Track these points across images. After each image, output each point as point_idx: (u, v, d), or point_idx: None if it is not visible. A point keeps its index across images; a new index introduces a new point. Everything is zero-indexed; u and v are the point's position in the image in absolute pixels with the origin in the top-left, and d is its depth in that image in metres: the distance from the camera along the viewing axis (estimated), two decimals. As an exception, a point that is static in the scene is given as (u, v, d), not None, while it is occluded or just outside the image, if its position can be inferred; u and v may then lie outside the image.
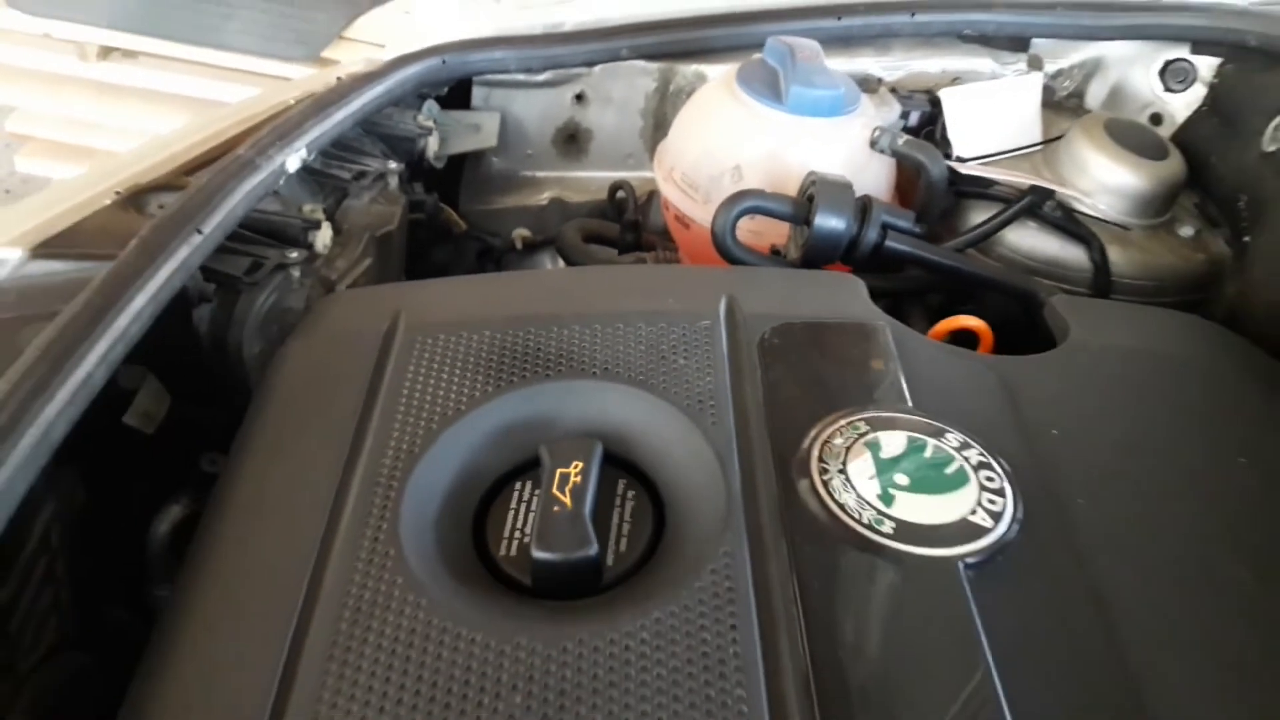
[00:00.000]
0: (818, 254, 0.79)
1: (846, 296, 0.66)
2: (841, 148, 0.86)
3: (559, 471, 0.52)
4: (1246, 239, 0.87)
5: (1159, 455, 0.58)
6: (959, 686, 0.44)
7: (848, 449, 0.53)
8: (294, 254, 0.77)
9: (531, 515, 0.52)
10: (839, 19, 0.99)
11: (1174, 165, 0.91)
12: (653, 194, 1.07)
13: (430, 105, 1.03)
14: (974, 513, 0.50)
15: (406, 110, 1.00)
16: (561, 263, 1.03)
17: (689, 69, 1.02)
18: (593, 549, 0.49)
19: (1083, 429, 0.58)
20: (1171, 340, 0.69)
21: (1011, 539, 0.49)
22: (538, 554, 0.48)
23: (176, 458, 0.68)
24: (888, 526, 0.49)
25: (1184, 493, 0.56)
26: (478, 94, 1.05)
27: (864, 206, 0.80)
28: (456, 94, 1.05)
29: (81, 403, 0.54)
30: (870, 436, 0.54)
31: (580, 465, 0.52)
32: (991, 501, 0.51)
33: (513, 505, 0.53)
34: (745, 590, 0.46)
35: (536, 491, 0.52)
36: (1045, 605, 0.48)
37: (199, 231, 0.67)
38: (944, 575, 0.48)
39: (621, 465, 0.54)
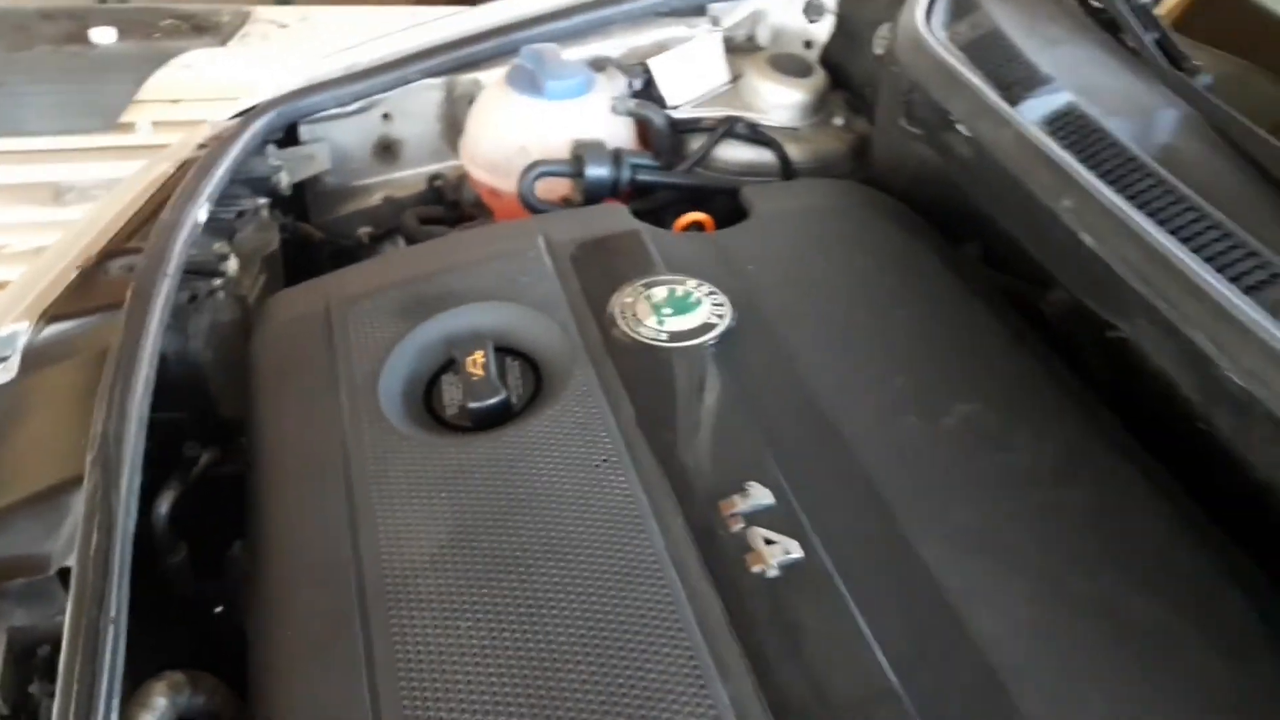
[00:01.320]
0: (594, 196, 1.17)
1: (617, 219, 1.04)
2: (591, 118, 1.23)
3: (468, 359, 0.87)
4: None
5: (824, 270, 0.99)
6: (729, 414, 0.82)
7: (634, 302, 0.91)
8: (217, 281, 1.08)
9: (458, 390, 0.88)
10: (571, 19, 1.35)
11: (818, 79, 1.33)
12: (462, 178, 1.41)
13: (270, 149, 1.33)
14: (709, 320, 0.89)
15: (256, 156, 1.30)
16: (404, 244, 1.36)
17: (466, 79, 1.36)
18: (501, 395, 0.84)
19: (769, 263, 0.98)
20: (825, 197, 1.11)
21: (733, 327, 0.88)
22: (470, 404, 0.84)
23: (162, 451, 0.95)
24: (664, 337, 0.88)
25: (840, 288, 0.97)
26: (305, 131, 1.36)
27: (616, 156, 1.18)
28: (288, 133, 1.35)
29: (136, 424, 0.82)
30: (645, 293, 0.92)
31: (481, 353, 0.87)
32: (718, 313, 0.90)
33: (446, 388, 0.88)
34: (596, 390, 0.83)
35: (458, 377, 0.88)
36: (762, 365, 0.87)
37: (168, 275, 0.97)
38: (700, 356, 0.86)
39: (509, 351, 0.90)
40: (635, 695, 0.63)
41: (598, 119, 1.24)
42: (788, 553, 0.70)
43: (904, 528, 0.73)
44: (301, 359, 0.92)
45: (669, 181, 1.21)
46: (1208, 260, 0.79)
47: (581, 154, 1.17)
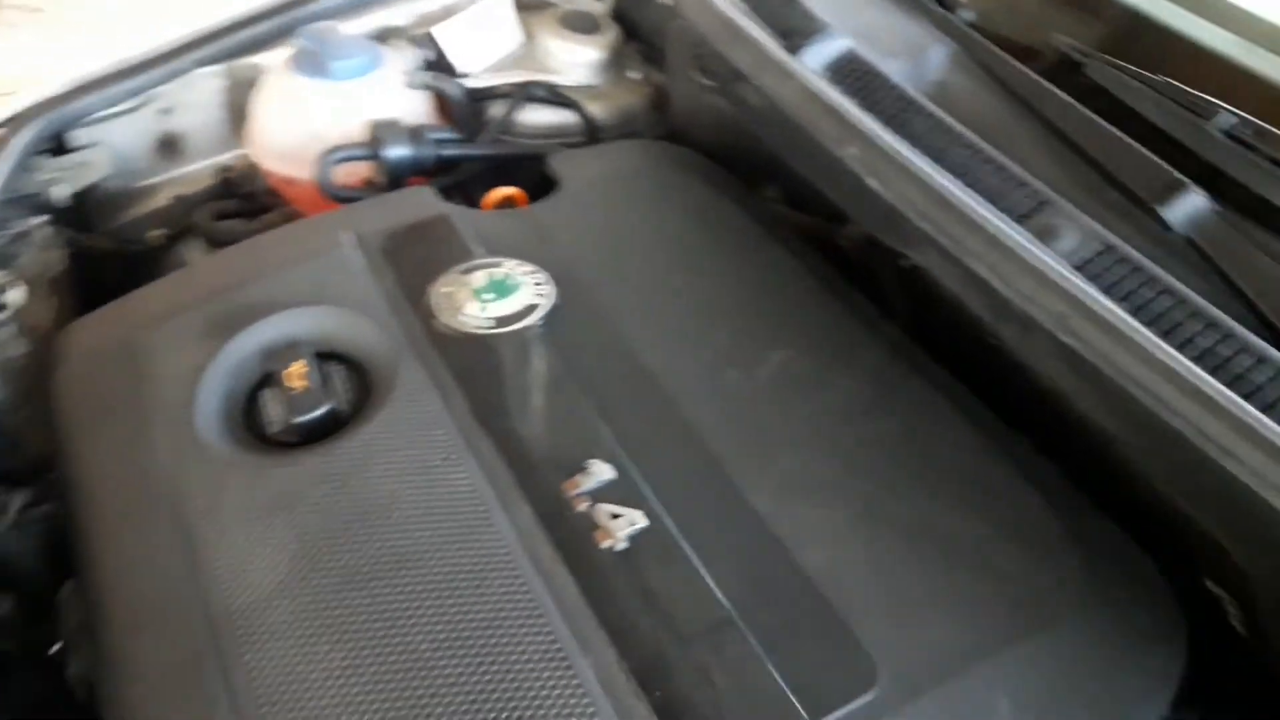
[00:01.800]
0: (397, 176, 1.15)
1: (424, 204, 1.03)
2: (383, 95, 1.20)
3: (287, 371, 0.86)
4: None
5: (637, 235, 1.02)
6: (562, 394, 0.84)
7: (454, 291, 0.91)
8: (2, 315, 1.02)
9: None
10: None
11: (610, 34, 1.34)
12: (253, 167, 1.35)
13: (40, 160, 1.24)
14: (532, 300, 0.91)
15: (26, 172, 1.21)
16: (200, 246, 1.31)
17: (246, 64, 1.30)
18: (327, 405, 0.84)
19: (584, 234, 1.00)
20: (631, 159, 1.13)
21: (557, 305, 0.90)
22: (295, 419, 0.83)
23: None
24: (490, 324, 0.89)
25: (654, 251, 1.00)
26: (78, 135, 1.27)
27: (415, 133, 1.17)
28: (58, 140, 1.27)
29: None
30: (464, 280, 0.92)
31: (300, 363, 0.86)
32: (540, 292, 0.91)
33: (268, 405, 0.87)
34: (426, 387, 0.84)
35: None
36: (589, 339, 0.89)
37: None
38: (527, 339, 0.88)
39: (330, 357, 0.89)
40: (503, 686, 0.66)
41: (391, 96, 1.21)
42: (633, 524, 0.74)
43: (736, 480, 0.78)
44: (109, 394, 0.88)
45: (473, 154, 1.20)
46: (982, 193, 0.86)
47: (379, 134, 1.15)
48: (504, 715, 0.64)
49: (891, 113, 0.96)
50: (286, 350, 0.88)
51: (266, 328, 0.90)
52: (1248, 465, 0.66)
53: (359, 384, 0.88)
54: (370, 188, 1.19)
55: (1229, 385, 0.69)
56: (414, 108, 1.23)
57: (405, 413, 0.82)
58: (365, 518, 0.76)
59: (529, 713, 0.64)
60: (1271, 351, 0.71)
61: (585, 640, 0.68)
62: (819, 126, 0.95)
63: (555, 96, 1.29)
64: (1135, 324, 0.73)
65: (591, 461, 0.78)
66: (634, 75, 1.36)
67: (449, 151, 1.19)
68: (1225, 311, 0.76)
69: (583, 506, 0.75)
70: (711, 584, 0.71)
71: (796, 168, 1.07)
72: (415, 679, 0.66)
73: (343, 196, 1.15)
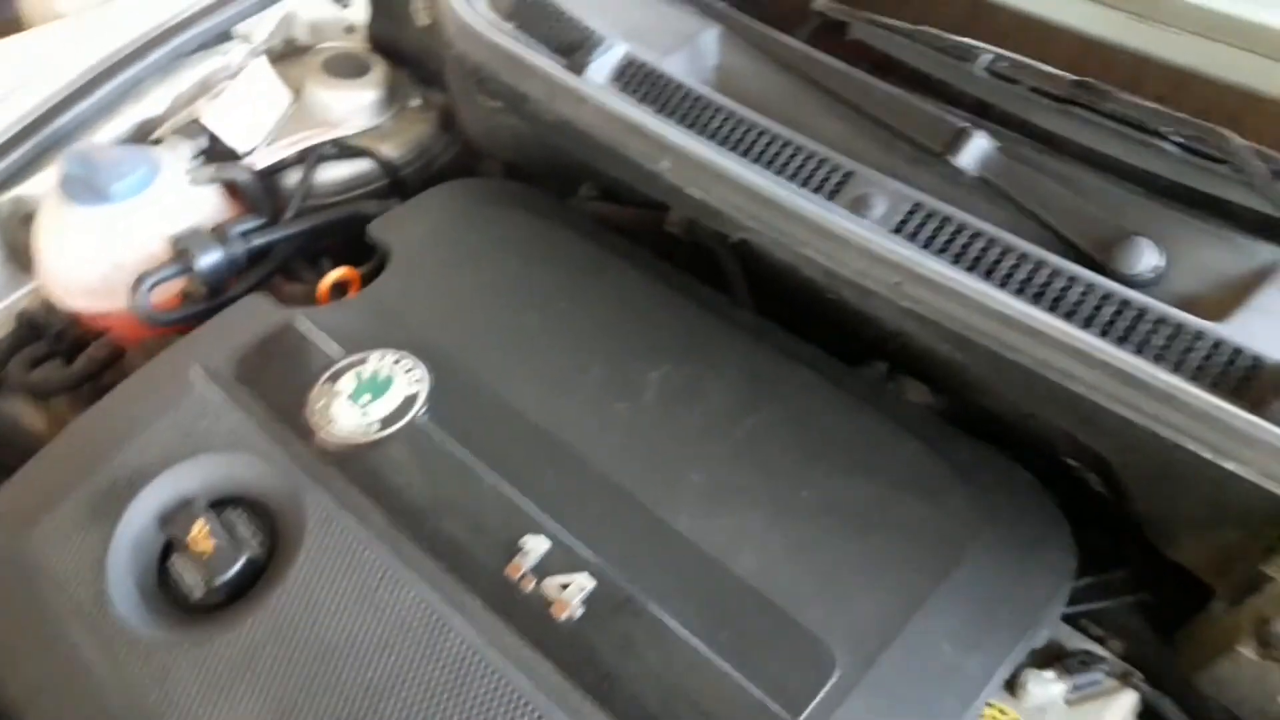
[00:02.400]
0: (216, 284, 1.13)
1: (262, 314, 1.02)
2: (174, 203, 1.16)
3: (189, 536, 0.85)
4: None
5: (481, 288, 1.04)
6: (471, 478, 0.87)
7: (327, 404, 0.92)
8: None
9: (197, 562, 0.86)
10: (93, 95, 1.24)
11: (379, 70, 1.33)
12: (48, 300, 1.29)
13: None
14: (409, 390, 0.93)
15: None
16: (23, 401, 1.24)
17: (3, 200, 1.22)
18: (243, 556, 0.84)
19: (430, 301, 1.02)
20: (447, 209, 1.14)
21: (434, 386, 0.92)
22: (216, 582, 0.83)
23: None
24: (375, 427, 0.90)
25: (503, 300, 1.02)
26: None
27: (220, 232, 1.14)
28: None
29: None
30: (333, 389, 0.93)
31: (200, 521, 0.86)
32: (414, 378, 0.93)
33: (181, 573, 0.86)
34: (336, 511, 0.85)
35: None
36: (477, 412, 0.92)
37: None
38: (417, 430, 0.90)
39: (227, 504, 0.89)
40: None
41: (181, 201, 1.17)
42: (582, 588, 0.79)
43: (655, 511, 0.84)
44: (8, 611, 0.86)
45: (284, 236, 1.19)
46: (791, 179, 0.93)
47: (185, 246, 1.12)
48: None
49: (685, 113, 1.01)
50: (180, 512, 0.87)
51: (151, 497, 0.89)
52: (1081, 380, 0.77)
53: (265, 524, 0.88)
54: (189, 301, 1.16)
55: (1050, 307, 0.80)
56: (208, 206, 1.19)
57: (325, 543, 0.84)
58: (326, 660, 0.78)
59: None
60: (1080, 270, 0.81)
61: (578, 713, 0.73)
62: (627, 145, 1.00)
63: (344, 150, 1.28)
64: (960, 275, 0.83)
65: (524, 539, 0.82)
66: (415, 103, 1.36)
67: (259, 241, 1.17)
68: (1028, 237, 0.86)
69: (530, 586, 0.80)
70: (671, 623, 0.77)
71: (610, 174, 1.11)
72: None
73: (166, 321, 1.12)
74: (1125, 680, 0.87)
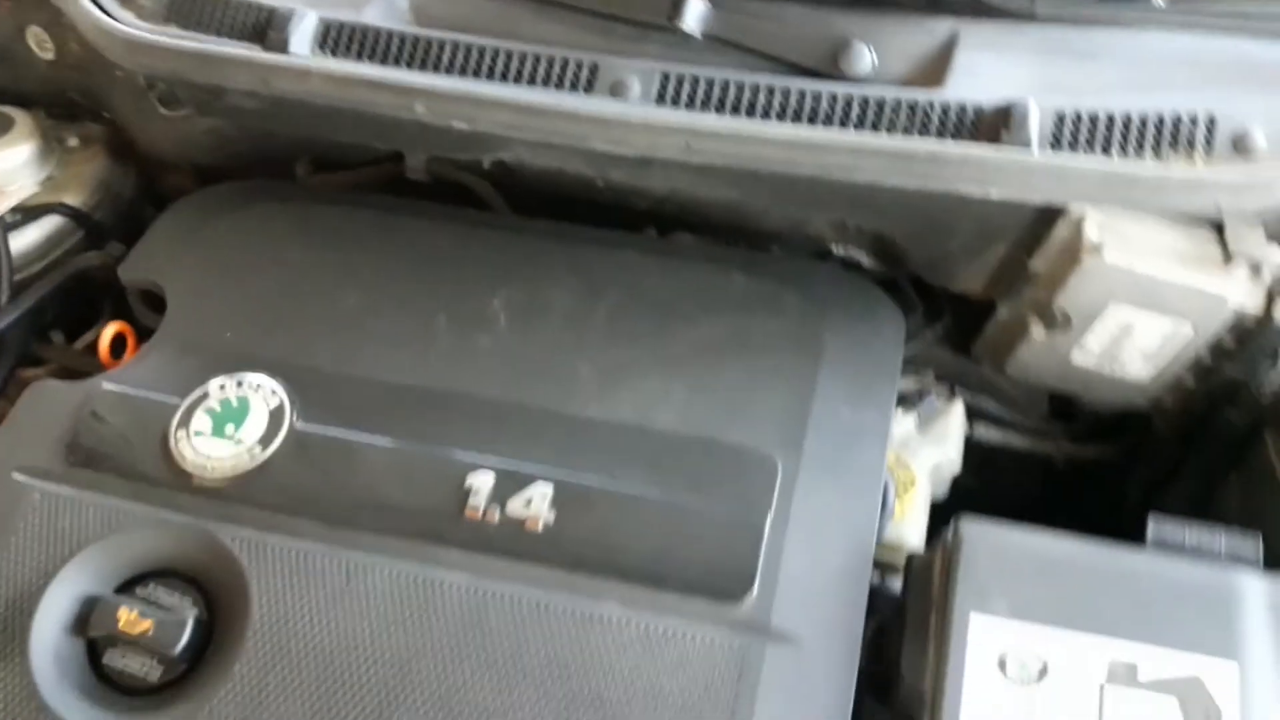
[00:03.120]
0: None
1: (49, 396, 0.94)
2: None
3: (118, 626, 0.80)
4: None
5: (292, 288, 1.01)
6: (382, 449, 0.88)
7: (193, 446, 0.88)
8: None
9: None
10: None
11: (22, 121, 1.20)
12: None
13: None
14: (270, 403, 0.91)
15: None
16: None
17: None
18: (190, 617, 0.80)
19: (250, 318, 0.98)
20: (196, 224, 1.08)
21: (293, 392, 0.91)
22: (174, 654, 0.79)
23: None
24: (257, 449, 0.88)
25: (327, 289, 1.01)
26: None
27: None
28: None
29: None
30: (188, 432, 0.89)
31: (123, 609, 0.80)
32: (268, 389, 0.91)
33: (121, 663, 0.81)
34: (264, 541, 0.83)
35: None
36: (347, 397, 0.91)
37: None
38: (301, 435, 0.89)
39: (137, 583, 0.83)
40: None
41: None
42: (545, 495, 0.84)
43: (565, 410, 0.91)
44: None
45: (14, 319, 1.07)
46: (544, 86, 1.00)
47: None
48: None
49: (410, 57, 1.04)
50: (93, 613, 0.81)
51: (49, 615, 0.82)
52: (863, 169, 0.93)
53: (188, 586, 0.84)
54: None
55: (821, 122, 0.95)
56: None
57: (271, 576, 0.82)
58: (334, 666, 0.78)
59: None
60: (825, 84, 0.97)
61: (597, 594, 0.80)
62: (372, 102, 1.01)
63: (28, 214, 1.15)
64: (735, 121, 0.95)
65: (467, 479, 0.85)
66: (73, 142, 1.25)
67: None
68: (766, 72, 1.00)
69: (496, 517, 0.84)
70: (631, 489, 0.85)
71: (340, 139, 1.12)
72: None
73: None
74: (951, 394, 1.08)
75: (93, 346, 1.08)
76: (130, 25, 1.07)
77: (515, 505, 0.84)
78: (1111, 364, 1.03)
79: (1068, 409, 1.16)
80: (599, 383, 0.93)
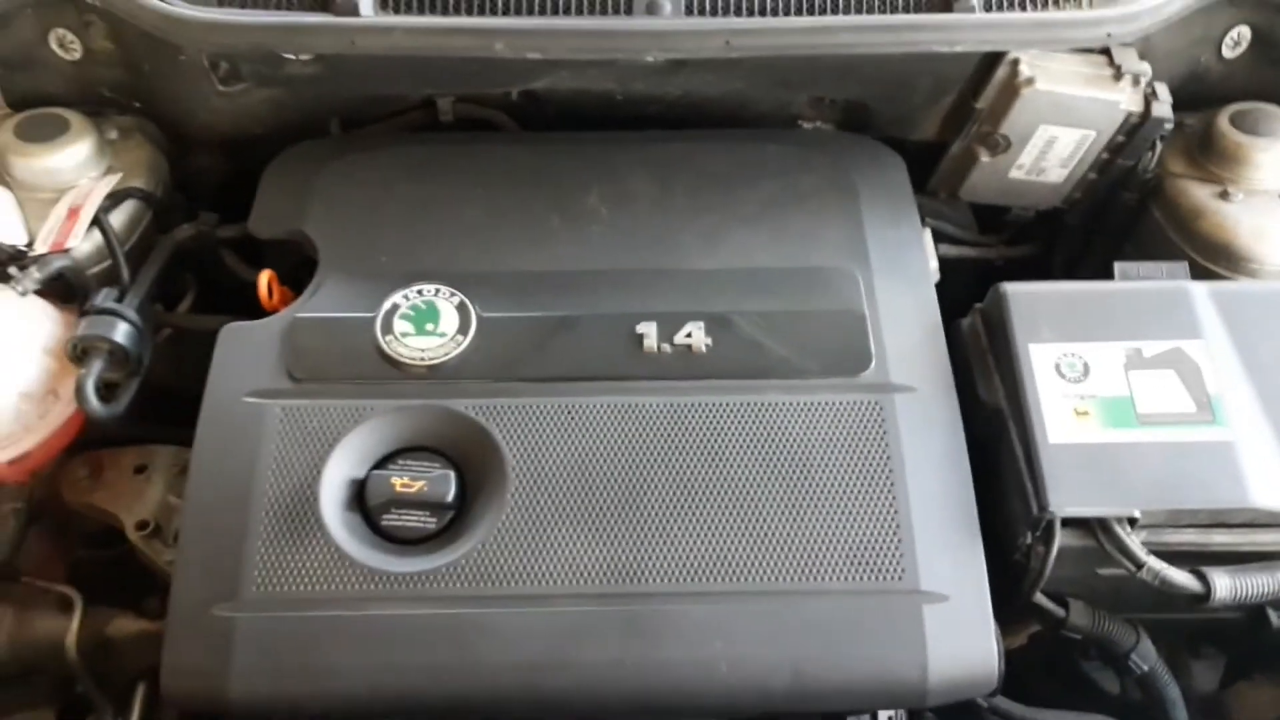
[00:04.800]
0: (139, 356, 1.15)
1: (252, 333, 1.11)
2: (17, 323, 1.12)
3: (395, 494, 0.99)
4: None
5: (420, 213, 1.19)
6: (559, 321, 1.09)
7: (404, 346, 1.07)
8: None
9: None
10: None
11: (75, 119, 1.29)
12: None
13: None
14: (454, 300, 1.10)
15: None
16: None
17: None
18: (451, 483, 1.00)
19: (398, 243, 1.17)
20: (306, 175, 1.25)
21: (467, 292, 1.11)
22: (448, 499, 0.99)
23: None
24: (459, 339, 1.08)
25: (452, 209, 1.20)
26: None
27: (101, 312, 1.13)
28: None
29: None
30: (395, 337, 1.08)
31: (393, 479, 0.99)
32: (448, 295, 1.11)
33: (399, 521, 1.00)
34: (500, 405, 1.04)
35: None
36: (515, 289, 1.13)
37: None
38: (488, 323, 1.09)
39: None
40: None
41: (19, 317, 1.12)
42: (700, 326, 1.09)
43: (691, 266, 1.16)
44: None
45: (153, 277, 1.20)
46: (600, 14, 1.22)
47: (89, 342, 1.11)
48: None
49: (467, 5, 1.22)
50: (367, 487, 1.00)
51: (329, 495, 0.99)
52: (867, 43, 1.21)
53: (433, 454, 1.03)
54: (124, 387, 1.15)
55: (815, 11, 1.22)
56: (37, 311, 1.15)
57: (511, 428, 1.03)
58: (588, 486, 1.01)
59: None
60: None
61: (759, 388, 1.06)
62: (452, 46, 1.19)
63: (115, 199, 1.25)
64: (759, 20, 1.20)
65: (637, 328, 1.09)
66: (113, 135, 1.34)
67: (136, 297, 1.18)
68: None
69: (668, 349, 1.08)
70: (761, 307, 1.11)
71: (387, 91, 1.30)
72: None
73: (118, 415, 1.11)
74: (921, 223, 1.39)
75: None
76: (200, 9, 1.19)
77: (680, 339, 1.09)
78: (1039, 174, 1.37)
79: (996, 223, 1.51)
80: (701, 243, 1.18)
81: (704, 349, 1.08)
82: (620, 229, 1.19)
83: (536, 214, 1.20)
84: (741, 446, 1.04)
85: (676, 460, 1.03)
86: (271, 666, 0.94)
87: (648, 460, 1.02)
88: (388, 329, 1.08)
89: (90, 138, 1.29)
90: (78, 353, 1.11)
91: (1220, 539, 1.01)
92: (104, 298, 1.15)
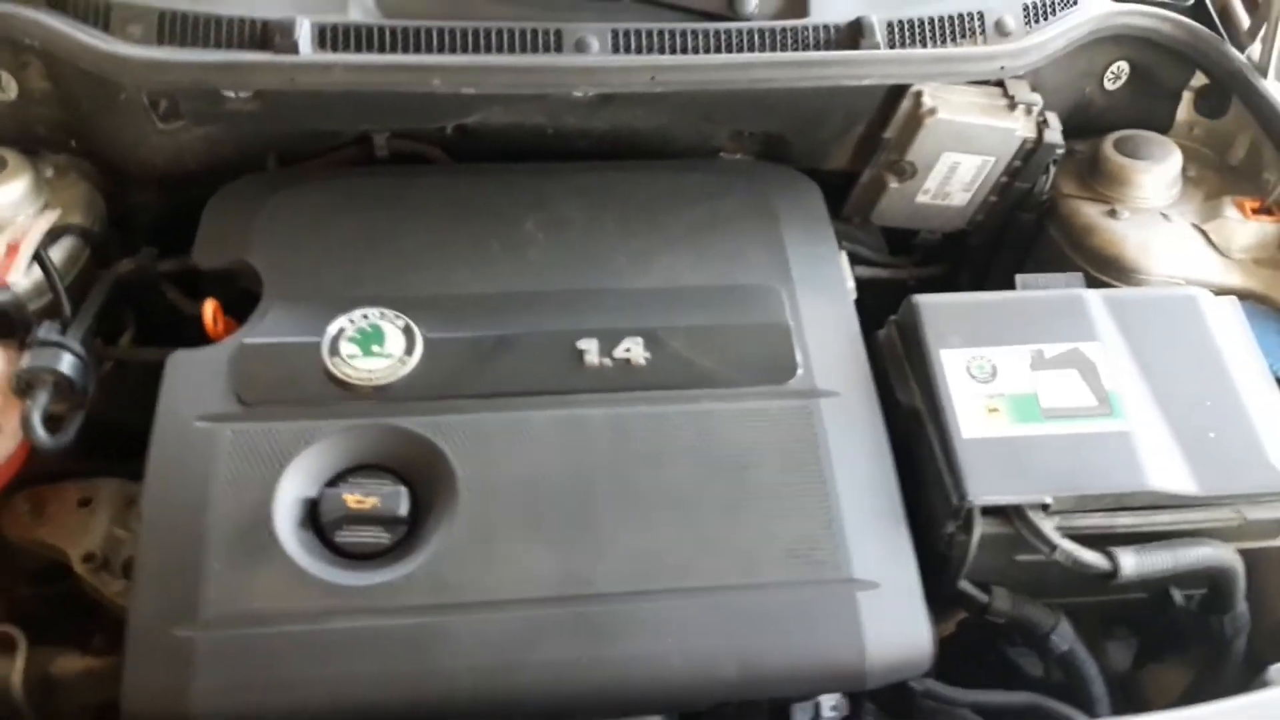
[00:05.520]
0: (84, 385, 1.16)
1: (198, 360, 1.13)
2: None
3: (349, 511, 1.02)
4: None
5: (363, 240, 1.23)
6: (503, 341, 1.14)
7: (352, 367, 1.10)
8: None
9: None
10: None
11: (12, 158, 1.30)
12: None
13: None
14: (398, 323, 1.14)
15: None
16: None
17: None
18: (402, 500, 1.04)
19: (340, 271, 1.21)
20: (251, 206, 1.28)
21: (410, 314, 1.15)
22: (399, 513, 1.03)
23: None
24: (404, 359, 1.12)
25: (393, 236, 1.25)
26: None
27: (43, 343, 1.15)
28: None
29: None
30: (342, 358, 1.11)
31: (344, 496, 1.03)
32: (392, 318, 1.15)
33: (351, 537, 1.03)
34: (447, 422, 1.08)
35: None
36: (457, 310, 1.17)
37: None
38: (434, 343, 1.13)
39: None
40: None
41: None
42: (638, 341, 1.16)
43: (624, 285, 1.23)
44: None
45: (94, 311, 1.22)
46: (531, 51, 1.28)
47: (31, 376, 1.11)
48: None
49: (401, 43, 1.28)
50: (321, 506, 1.04)
51: (283, 514, 1.02)
52: (778, 79, 1.30)
53: (383, 471, 1.07)
54: (69, 419, 1.15)
55: (742, 49, 1.30)
56: None
57: (459, 442, 1.07)
58: (538, 496, 1.06)
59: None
60: (735, 24, 1.32)
61: (692, 397, 1.13)
62: (391, 82, 1.25)
63: (52, 235, 1.27)
64: (683, 58, 1.28)
65: (578, 344, 1.15)
66: (49, 173, 1.36)
67: (79, 328, 1.19)
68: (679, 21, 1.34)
69: (609, 363, 1.14)
70: (692, 322, 1.18)
71: (323, 127, 1.34)
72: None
73: (63, 445, 1.12)
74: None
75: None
76: (136, 47, 1.23)
77: (619, 353, 1.15)
78: (944, 198, 1.48)
79: (905, 245, 1.60)
80: (634, 264, 1.25)
81: (643, 362, 1.14)
82: (556, 252, 1.25)
83: (476, 240, 1.25)
84: (681, 453, 1.09)
85: (620, 468, 1.08)
86: (233, 684, 0.96)
87: (592, 469, 1.07)
88: (335, 351, 1.12)
89: (27, 175, 1.30)
90: (23, 385, 1.12)
91: (1124, 521, 1.10)
92: (47, 330, 1.16)
